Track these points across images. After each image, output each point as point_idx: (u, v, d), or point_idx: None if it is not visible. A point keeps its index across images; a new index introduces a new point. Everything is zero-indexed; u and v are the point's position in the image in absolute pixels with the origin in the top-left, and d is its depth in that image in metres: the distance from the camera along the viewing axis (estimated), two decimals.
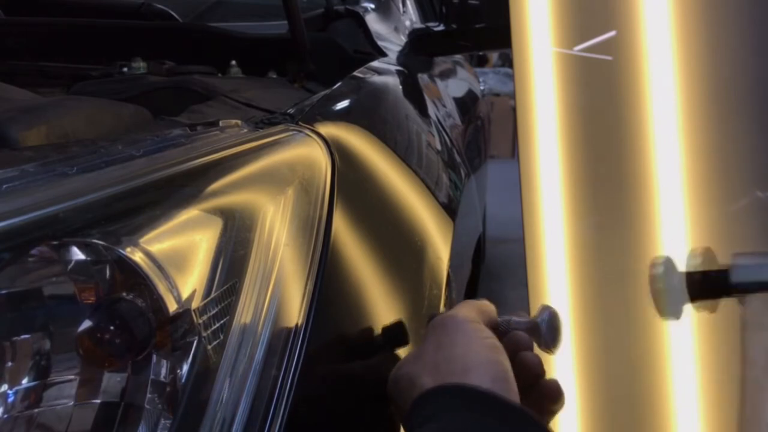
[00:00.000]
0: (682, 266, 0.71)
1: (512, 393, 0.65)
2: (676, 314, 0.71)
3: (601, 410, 1.24)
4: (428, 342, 0.70)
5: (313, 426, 0.68)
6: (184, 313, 0.58)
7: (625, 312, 1.24)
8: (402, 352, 0.80)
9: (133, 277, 0.57)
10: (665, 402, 1.20)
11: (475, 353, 0.67)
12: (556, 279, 1.27)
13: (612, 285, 1.26)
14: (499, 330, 0.74)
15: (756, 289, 0.67)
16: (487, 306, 0.75)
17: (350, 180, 0.89)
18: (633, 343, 1.23)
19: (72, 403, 0.57)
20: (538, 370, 0.73)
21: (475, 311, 0.73)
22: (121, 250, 0.56)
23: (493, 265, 3.47)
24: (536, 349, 0.75)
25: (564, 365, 1.24)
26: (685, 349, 1.19)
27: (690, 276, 0.70)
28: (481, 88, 3.46)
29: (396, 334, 0.80)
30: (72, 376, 0.57)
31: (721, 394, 1.17)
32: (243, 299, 0.64)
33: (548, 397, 0.73)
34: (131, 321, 0.56)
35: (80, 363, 0.57)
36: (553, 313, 0.75)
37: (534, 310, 0.77)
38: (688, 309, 0.71)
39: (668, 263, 0.72)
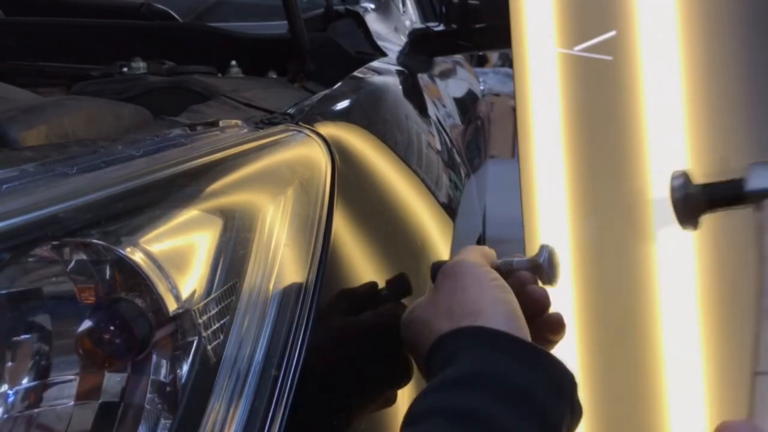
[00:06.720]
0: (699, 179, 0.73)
1: (523, 329, 0.69)
2: (694, 224, 0.73)
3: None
4: (441, 288, 0.73)
5: (311, 422, 0.68)
6: (184, 313, 0.58)
7: (626, 307, 1.24)
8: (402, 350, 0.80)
9: (133, 277, 0.57)
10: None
11: (486, 296, 0.70)
12: None
13: (612, 285, 1.26)
14: (501, 271, 0.77)
15: None
16: (489, 250, 0.79)
17: (350, 180, 0.89)
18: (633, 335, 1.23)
19: (72, 403, 0.57)
20: (545, 302, 0.77)
21: (480, 255, 0.77)
22: (121, 250, 0.56)
23: None
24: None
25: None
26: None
27: (707, 186, 0.72)
28: (481, 88, 3.45)
29: (395, 333, 0.80)
30: (72, 376, 0.57)
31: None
32: (243, 299, 0.64)
33: (550, 328, 0.76)
34: (131, 321, 0.56)
35: (80, 363, 0.57)
36: (551, 250, 0.80)
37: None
38: (705, 219, 0.73)
39: (686, 175, 0.73)
